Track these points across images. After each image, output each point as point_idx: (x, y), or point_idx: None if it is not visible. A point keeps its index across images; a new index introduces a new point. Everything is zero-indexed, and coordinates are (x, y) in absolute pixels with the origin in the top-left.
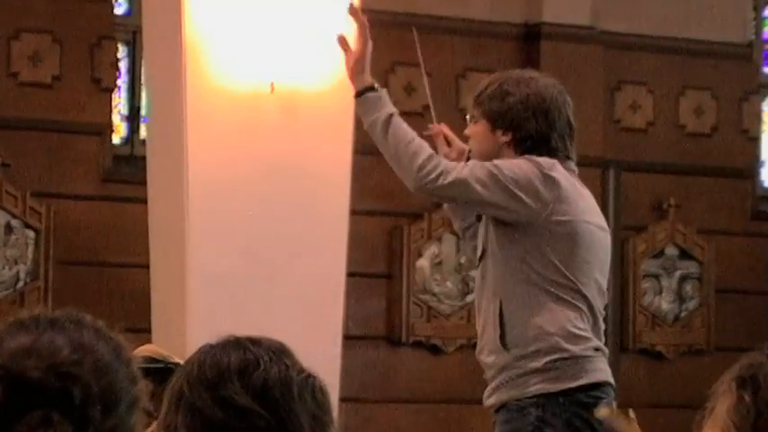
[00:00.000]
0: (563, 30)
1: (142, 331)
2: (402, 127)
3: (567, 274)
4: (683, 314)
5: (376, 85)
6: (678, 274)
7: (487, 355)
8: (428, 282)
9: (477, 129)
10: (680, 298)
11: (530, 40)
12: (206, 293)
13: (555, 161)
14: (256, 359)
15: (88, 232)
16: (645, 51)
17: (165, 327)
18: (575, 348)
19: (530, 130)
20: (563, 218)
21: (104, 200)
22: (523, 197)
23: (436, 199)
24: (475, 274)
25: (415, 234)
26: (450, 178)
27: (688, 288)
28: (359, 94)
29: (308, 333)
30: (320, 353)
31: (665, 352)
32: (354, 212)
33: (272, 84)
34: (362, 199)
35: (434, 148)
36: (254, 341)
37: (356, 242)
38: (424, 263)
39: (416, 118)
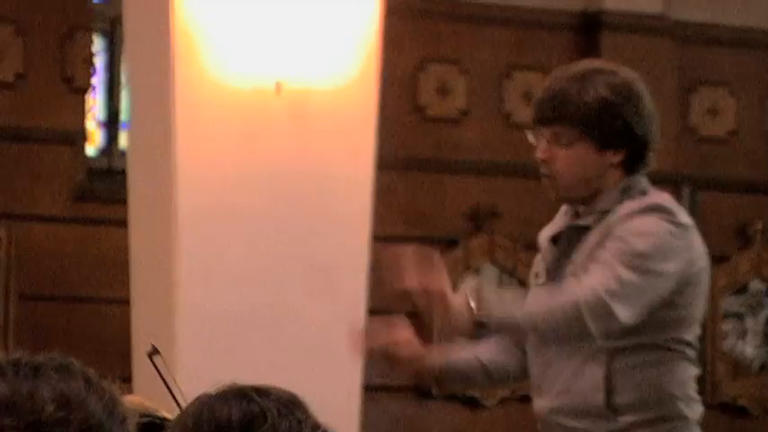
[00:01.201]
0: (628, 19)
1: (120, 380)
2: (529, 310)
3: (692, 328)
4: None
5: (482, 318)
6: (765, 313)
7: (574, 418)
8: None
9: (576, 152)
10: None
11: (588, 32)
12: (198, 335)
13: (671, 196)
14: (263, 412)
15: (57, 261)
16: (726, 46)
17: (148, 375)
18: (692, 415)
19: (646, 138)
20: (696, 267)
21: (76, 222)
22: (671, 269)
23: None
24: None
25: (448, 264)
26: (622, 310)
27: None
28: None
29: (321, 383)
30: (336, 406)
31: (749, 407)
32: (377, 238)
33: (278, 83)
34: (386, 222)
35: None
36: (261, 391)
37: (378, 274)
38: None
39: (450, 124)
